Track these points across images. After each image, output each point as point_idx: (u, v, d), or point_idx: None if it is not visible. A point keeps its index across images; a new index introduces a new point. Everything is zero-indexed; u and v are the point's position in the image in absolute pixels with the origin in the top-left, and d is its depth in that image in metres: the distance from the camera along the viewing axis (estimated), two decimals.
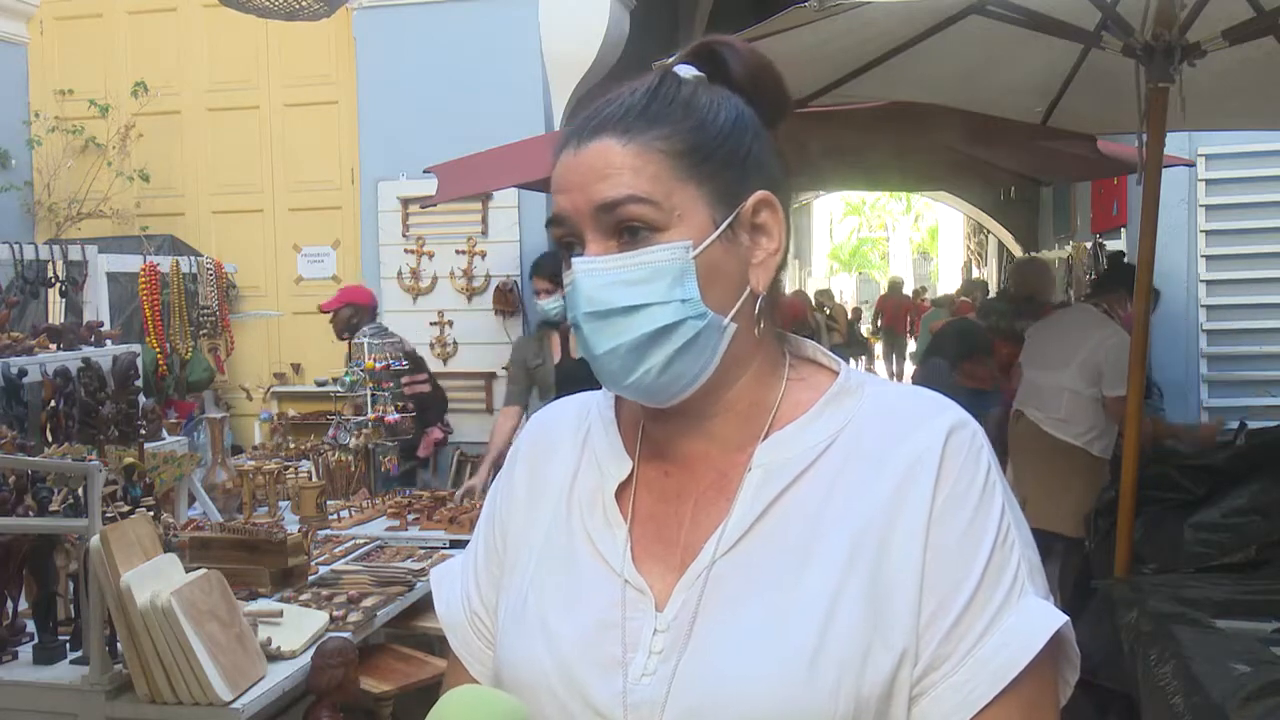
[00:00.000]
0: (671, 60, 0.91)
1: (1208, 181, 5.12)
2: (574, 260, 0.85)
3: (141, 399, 3.44)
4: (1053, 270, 6.37)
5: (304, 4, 3.79)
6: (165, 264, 5.14)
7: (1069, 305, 4.72)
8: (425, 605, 3.30)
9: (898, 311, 16.00)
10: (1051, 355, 4.25)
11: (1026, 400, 4.32)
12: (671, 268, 0.82)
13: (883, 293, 17.37)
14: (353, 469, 4.65)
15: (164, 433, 3.82)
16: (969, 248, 20.15)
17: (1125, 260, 5.71)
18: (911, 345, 15.66)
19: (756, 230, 0.87)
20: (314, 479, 4.36)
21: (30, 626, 2.54)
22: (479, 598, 0.97)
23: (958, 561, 0.80)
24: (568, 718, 0.83)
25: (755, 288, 0.87)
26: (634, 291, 0.82)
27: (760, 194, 0.87)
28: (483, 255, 5.67)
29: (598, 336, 0.83)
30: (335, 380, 5.56)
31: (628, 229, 0.83)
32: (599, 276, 0.83)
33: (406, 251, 5.75)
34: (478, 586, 0.98)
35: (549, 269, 4.40)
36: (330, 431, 5.02)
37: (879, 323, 16.54)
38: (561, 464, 0.95)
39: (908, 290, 18.52)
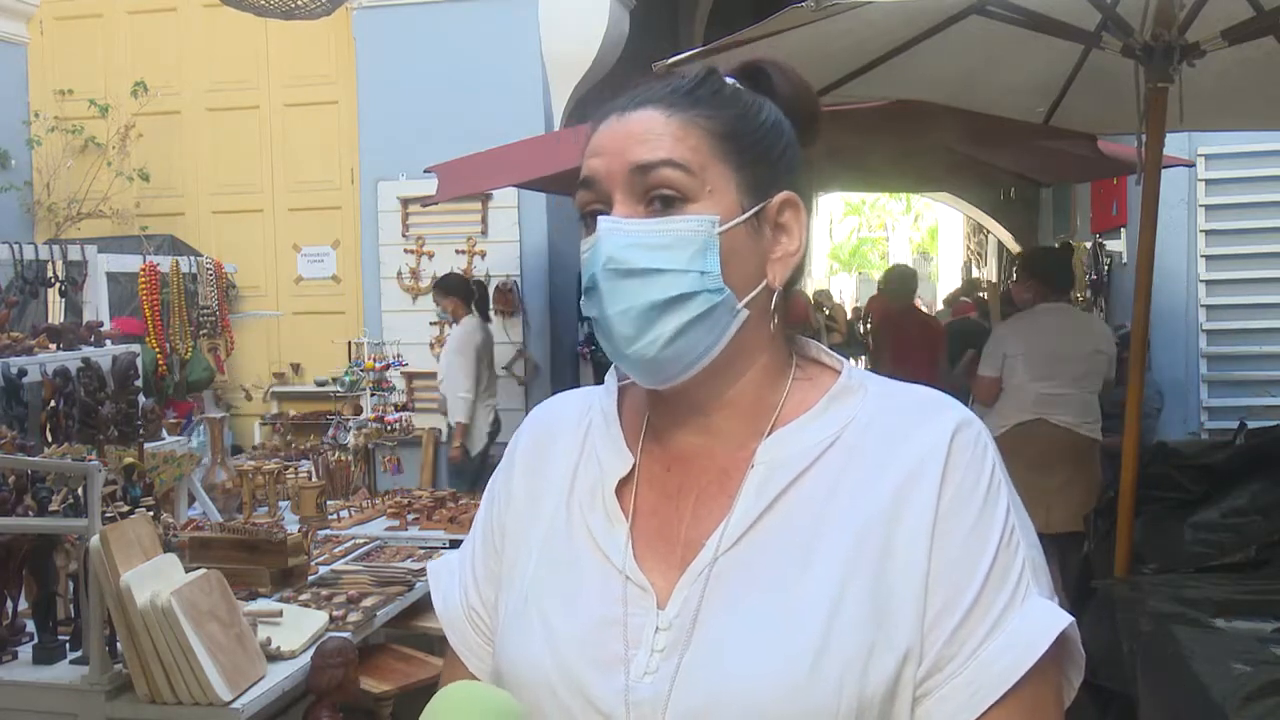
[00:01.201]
0: (673, 61, 0.93)
1: (1207, 181, 5.12)
2: (600, 218, 0.85)
3: (141, 399, 3.44)
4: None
5: (301, 3, 3.78)
6: (165, 264, 5.14)
7: (1037, 308, 4.56)
8: (425, 605, 3.30)
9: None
10: (1066, 364, 4.20)
11: (1050, 409, 4.21)
12: (696, 238, 0.83)
13: (872, 294, 17.14)
14: (352, 469, 4.66)
15: (164, 433, 3.81)
16: (969, 248, 20.12)
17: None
18: None
19: (779, 229, 0.88)
20: (314, 479, 4.36)
21: (30, 626, 2.54)
22: (477, 594, 0.97)
23: (963, 561, 0.80)
24: (569, 716, 0.83)
25: (771, 282, 0.87)
26: (656, 255, 0.83)
27: (787, 194, 0.88)
28: (482, 255, 5.67)
29: (612, 295, 0.83)
30: (335, 380, 5.57)
31: (659, 198, 0.84)
32: (623, 237, 0.83)
33: (406, 251, 5.75)
34: (475, 582, 0.97)
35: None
36: (330, 431, 5.02)
37: (867, 324, 16.33)
38: (562, 459, 0.95)
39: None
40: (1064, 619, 0.80)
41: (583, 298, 0.86)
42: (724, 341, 0.85)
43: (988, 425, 0.97)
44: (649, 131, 0.84)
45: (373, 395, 5.29)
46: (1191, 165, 4.99)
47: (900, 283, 6.61)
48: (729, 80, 0.91)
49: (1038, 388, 4.26)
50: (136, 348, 4.02)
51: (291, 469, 4.50)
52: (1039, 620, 0.79)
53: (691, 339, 0.84)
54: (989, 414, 4.36)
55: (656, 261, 0.82)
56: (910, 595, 0.79)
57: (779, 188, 0.88)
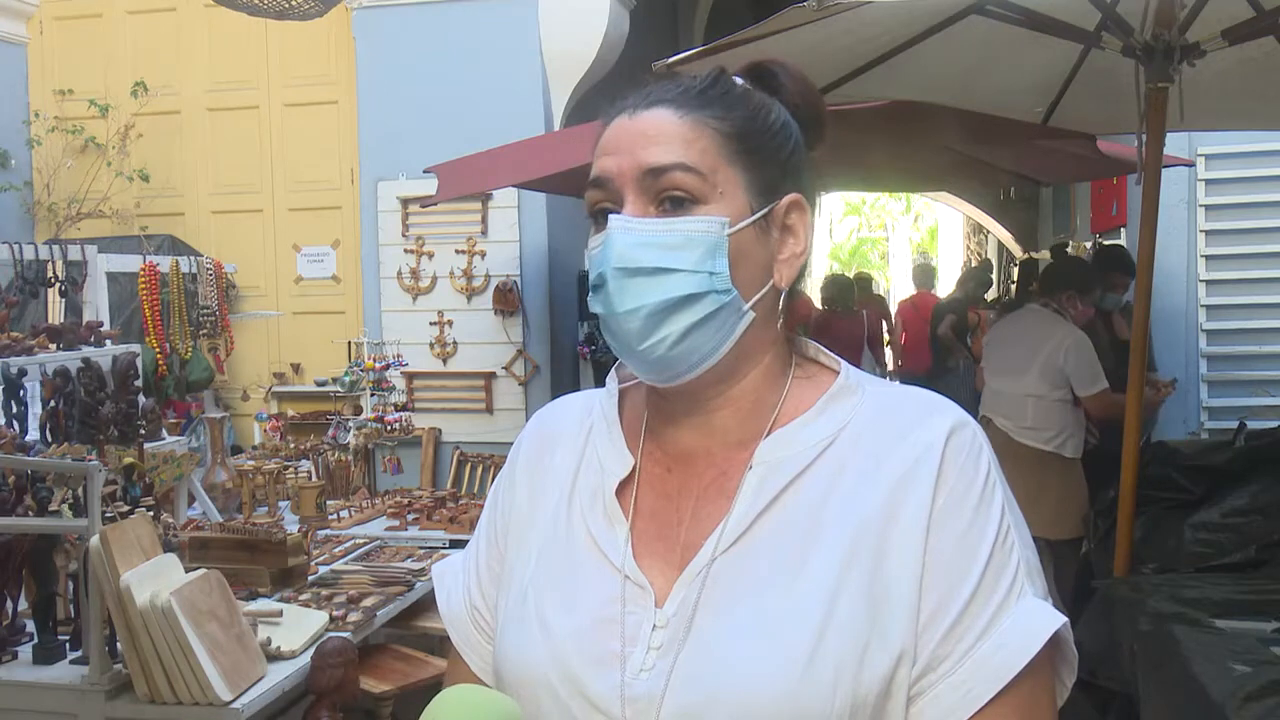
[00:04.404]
0: (674, 60, 0.93)
1: (1207, 181, 5.11)
2: (611, 217, 0.85)
3: (141, 399, 3.44)
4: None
5: (294, 3, 3.77)
6: (165, 264, 5.14)
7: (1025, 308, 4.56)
8: (425, 605, 3.30)
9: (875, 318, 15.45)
10: (1011, 361, 4.18)
11: (994, 408, 4.23)
12: (706, 239, 0.83)
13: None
14: (352, 469, 4.65)
15: (164, 433, 3.81)
16: (969, 248, 20.10)
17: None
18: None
19: (786, 230, 0.89)
20: (314, 479, 4.36)
21: (30, 626, 2.54)
22: (480, 593, 0.98)
23: (958, 562, 0.80)
24: (566, 713, 0.83)
25: (778, 283, 0.88)
26: (666, 255, 0.83)
27: (794, 195, 0.89)
28: (482, 255, 5.67)
29: (622, 295, 0.84)
30: (335, 380, 5.56)
31: (670, 198, 0.84)
32: (634, 236, 0.84)
33: (406, 251, 5.75)
34: (479, 582, 0.99)
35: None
36: (330, 431, 5.02)
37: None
38: (563, 461, 0.96)
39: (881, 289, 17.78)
40: (1058, 619, 0.80)
41: (590, 294, 0.87)
42: (730, 342, 0.86)
43: None
44: (661, 133, 0.85)
45: (373, 395, 5.28)
46: (1191, 165, 4.99)
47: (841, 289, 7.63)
48: (738, 80, 0.91)
49: (991, 383, 4.31)
50: (136, 348, 4.02)
51: (291, 469, 4.50)
52: (1033, 620, 0.80)
53: (699, 339, 0.84)
54: None
55: (666, 261, 0.83)
56: (905, 595, 0.79)
57: (787, 189, 0.89)
